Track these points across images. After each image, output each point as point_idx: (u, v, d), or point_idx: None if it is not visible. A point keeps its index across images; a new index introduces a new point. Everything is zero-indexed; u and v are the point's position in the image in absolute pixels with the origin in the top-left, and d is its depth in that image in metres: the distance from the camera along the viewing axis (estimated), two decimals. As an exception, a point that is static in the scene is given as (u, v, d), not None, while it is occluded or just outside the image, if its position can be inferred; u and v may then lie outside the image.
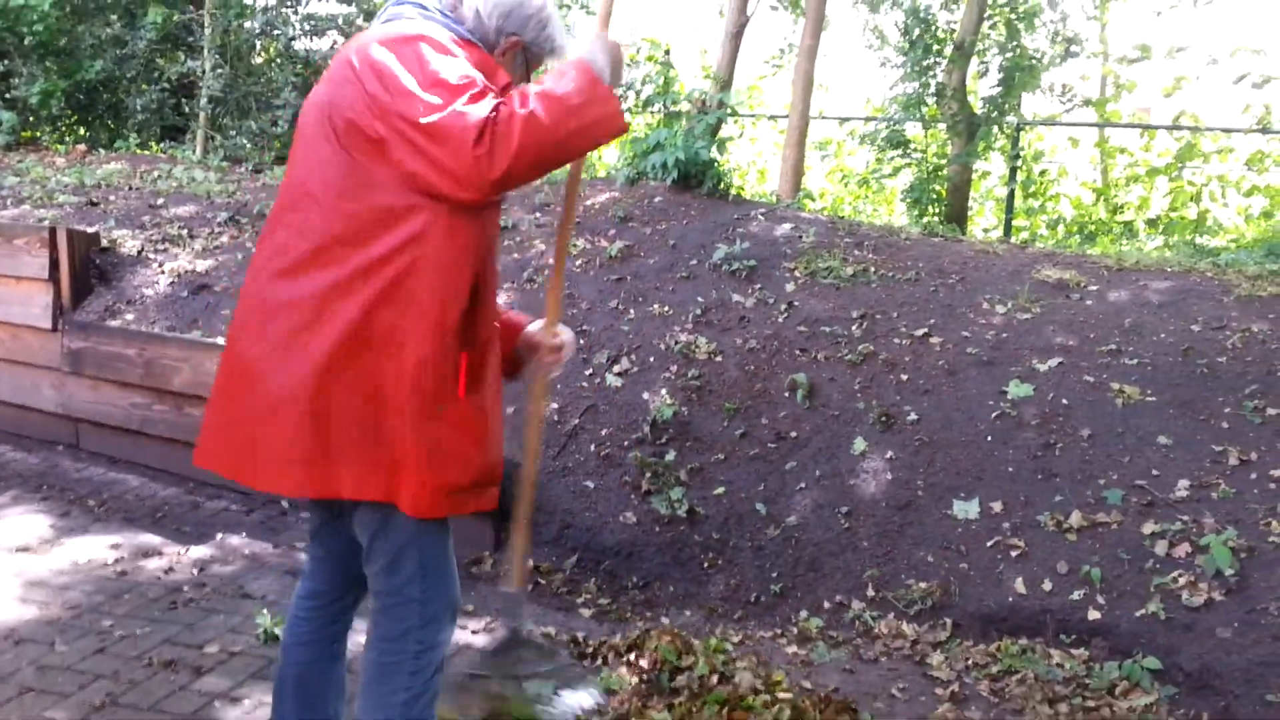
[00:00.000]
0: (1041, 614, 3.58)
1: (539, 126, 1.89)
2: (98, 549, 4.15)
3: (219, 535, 4.38)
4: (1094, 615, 3.48)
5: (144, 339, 5.03)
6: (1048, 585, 3.63)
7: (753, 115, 12.12)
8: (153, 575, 3.95)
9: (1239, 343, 4.47)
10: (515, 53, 2.26)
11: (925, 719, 3.04)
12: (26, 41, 8.78)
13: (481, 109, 1.89)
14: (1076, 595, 3.56)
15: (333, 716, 2.37)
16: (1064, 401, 4.31)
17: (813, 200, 10.65)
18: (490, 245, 2.12)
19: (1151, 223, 9.85)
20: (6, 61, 9.04)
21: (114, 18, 9.25)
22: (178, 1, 9.13)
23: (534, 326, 2.38)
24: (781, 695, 2.97)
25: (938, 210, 9.02)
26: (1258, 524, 3.56)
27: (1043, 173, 10.52)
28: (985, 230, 10.68)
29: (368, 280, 1.98)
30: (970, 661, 3.46)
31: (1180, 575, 3.46)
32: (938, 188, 9.22)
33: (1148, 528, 3.67)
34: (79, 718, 2.89)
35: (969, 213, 9.92)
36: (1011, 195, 10.09)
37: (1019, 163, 9.96)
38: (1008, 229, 9.97)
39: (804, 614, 3.85)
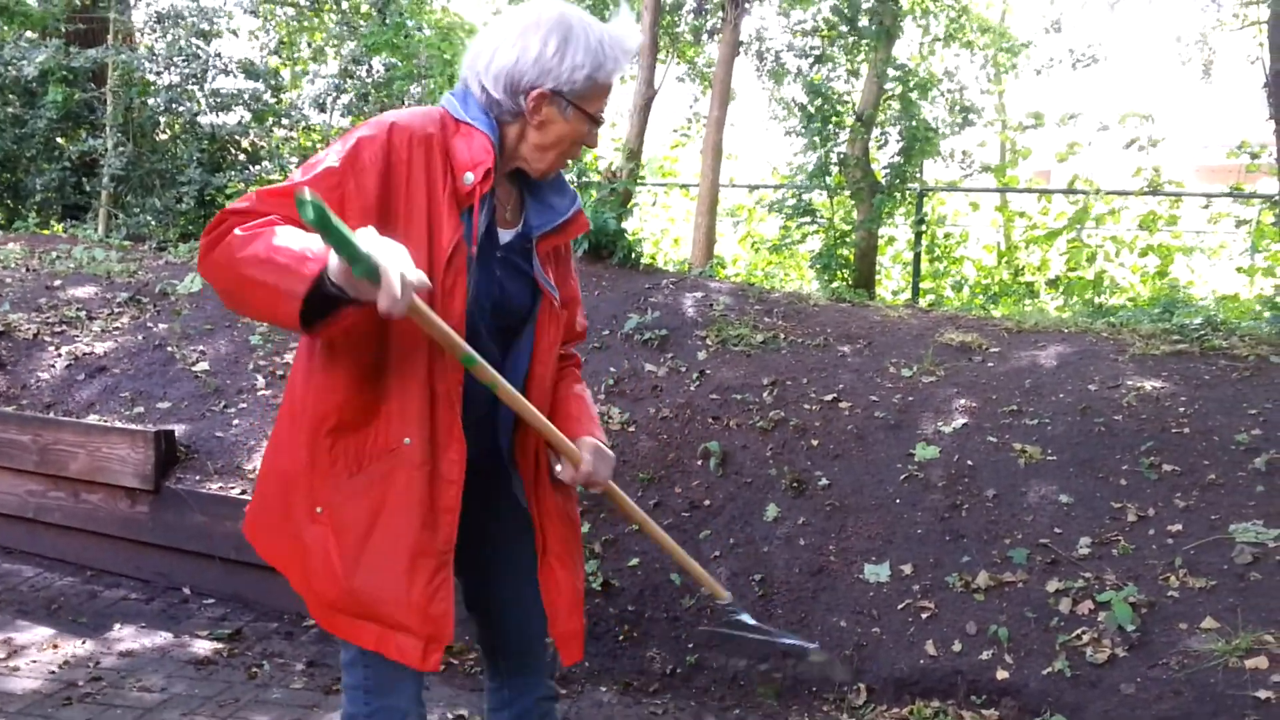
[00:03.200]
0: (953, 675, 3.60)
1: (230, 250, 1.72)
2: (-13, 646, 3.98)
3: (116, 626, 4.23)
4: (1002, 675, 3.51)
5: (39, 424, 4.87)
6: (958, 646, 3.66)
7: (664, 184, 12.29)
8: (47, 669, 3.79)
9: (1134, 401, 4.61)
10: (549, 103, 1.98)
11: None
12: (-80, 121, 8.60)
13: (242, 204, 1.78)
14: (985, 655, 3.60)
15: None
16: (969, 463, 4.39)
17: (725, 267, 10.80)
18: (380, 364, 1.91)
19: (1052, 283, 10.15)
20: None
21: (13, 96, 9.08)
22: (79, 79, 8.99)
23: (558, 468, 2.13)
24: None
25: (846, 275, 9.21)
26: (1156, 579, 3.64)
27: (946, 236, 10.82)
28: (894, 293, 10.91)
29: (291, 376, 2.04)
30: (885, 727, 3.47)
31: (1084, 632, 3.51)
32: (845, 253, 9.42)
33: (1052, 585, 3.73)
34: (-40, 830, 2.74)
35: (877, 276, 10.13)
36: (918, 259, 10.34)
37: (924, 227, 10.24)
38: (915, 292, 10.20)
39: (719, 684, 3.83)
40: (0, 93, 9.12)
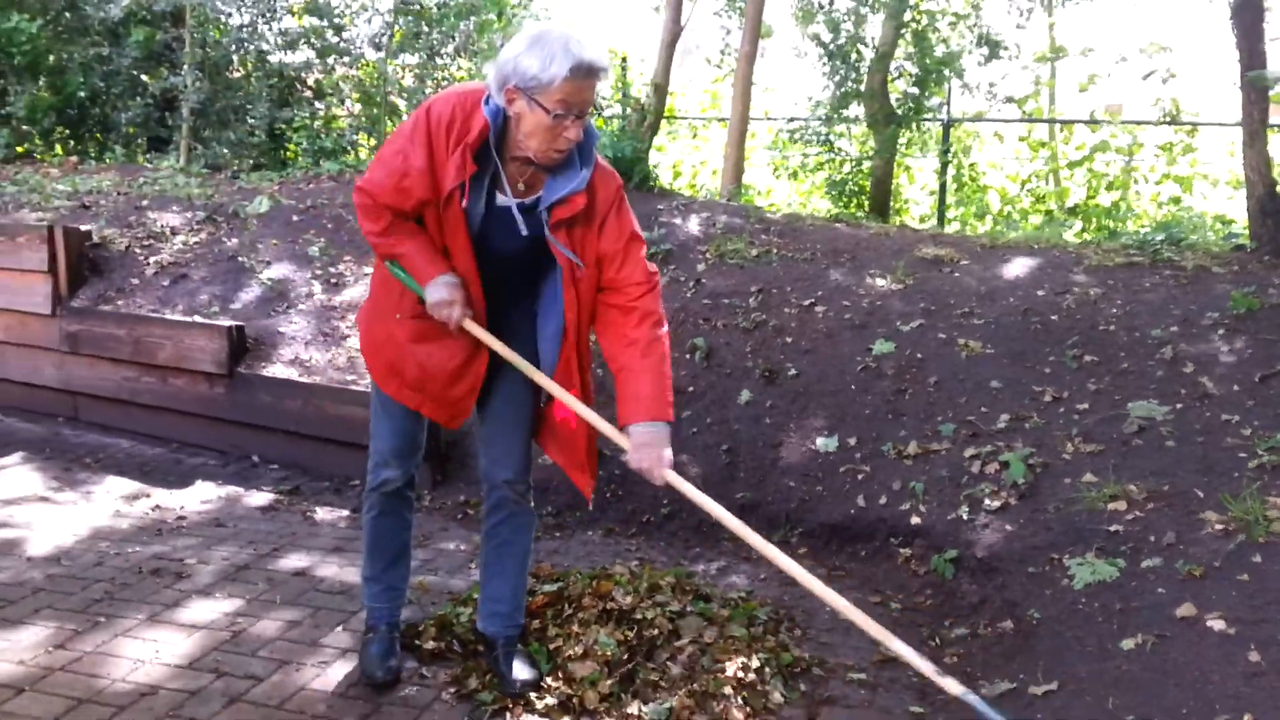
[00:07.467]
0: (877, 522, 4.32)
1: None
2: (96, 496, 4.88)
3: (198, 482, 5.12)
4: (916, 520, 4.22)
5: (132, 321, 5.76)
6: (883, 500, 4.37)
7: (704, 119, 12.87)
8: (141, 512, 4.68)
9: (1073, 304, 5.22)
10: (518, 99, 2.56)
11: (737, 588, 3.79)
12: (16, 61, 9.49)
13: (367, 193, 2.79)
14: (904, 506, 4.30)
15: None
16: (919, 355, 5.05)
17: (757, 194, 11.40)
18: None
19: (1071, 210, 10.58)
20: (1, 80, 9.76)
21: (100, 38, 9.95)
22: (159, 21, 9.82)
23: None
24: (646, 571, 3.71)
25: (861, 202, 9.76)
26: (1055, 446, 4.30)
27: (972, 165, 11.27)
28: (921, 219, 11.41)
29: None
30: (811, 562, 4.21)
31: (986, 486, 4.20)
32: (861, 181, 9.96)
33: (968, 452, 4.41)
34: (82, 608, 3.60)
35: (896, 204, 10.64)
36: (943, 188, 10.84)
37: (950, 157, 10.72)
38: (941, 220, 10.71)
39: (686, 530, 4.60)
40: (88, 34, 10.00)
